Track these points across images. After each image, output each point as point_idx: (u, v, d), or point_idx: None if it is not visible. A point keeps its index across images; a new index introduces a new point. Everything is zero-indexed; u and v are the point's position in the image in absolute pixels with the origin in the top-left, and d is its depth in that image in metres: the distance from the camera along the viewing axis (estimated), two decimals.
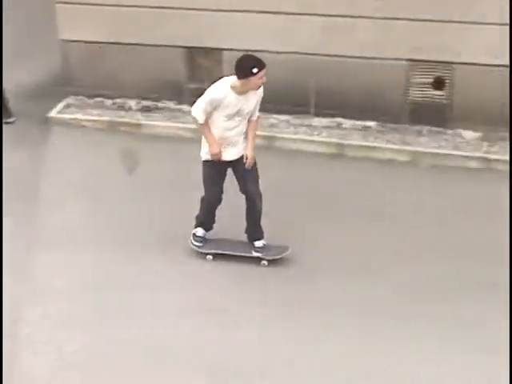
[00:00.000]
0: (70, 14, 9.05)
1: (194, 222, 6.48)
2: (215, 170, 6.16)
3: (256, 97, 5.98)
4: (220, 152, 6.02)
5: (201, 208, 6.39)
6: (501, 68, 8.02)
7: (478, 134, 8.33)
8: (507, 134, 8.06)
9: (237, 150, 6.13)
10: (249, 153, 6.11)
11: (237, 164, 6.18)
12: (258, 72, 5.76)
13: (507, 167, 7.71)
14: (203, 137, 6.10)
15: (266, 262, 6.36)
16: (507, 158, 7.82)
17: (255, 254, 6.38)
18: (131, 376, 5.19)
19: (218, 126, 6.01)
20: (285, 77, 8.44)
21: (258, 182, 6.23)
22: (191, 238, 6.45)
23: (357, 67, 8.43)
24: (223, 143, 6.07)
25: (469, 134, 8.36)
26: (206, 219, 6.42)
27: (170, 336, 5.52)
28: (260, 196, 6.21)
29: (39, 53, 10.34)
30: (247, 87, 5.88)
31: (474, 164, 7.99)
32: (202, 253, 6.44)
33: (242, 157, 6.13)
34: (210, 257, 6.44)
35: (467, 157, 8.02)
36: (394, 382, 5.14)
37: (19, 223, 6.87)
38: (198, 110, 5.97)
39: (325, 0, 8.30)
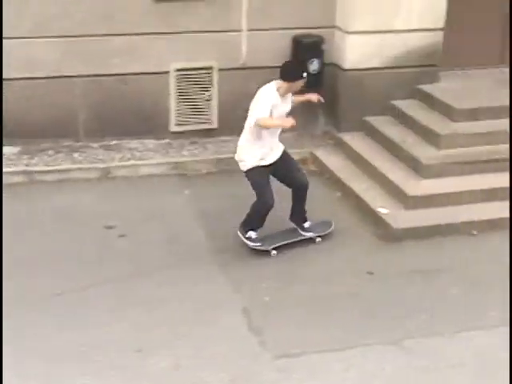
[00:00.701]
0: None
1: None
2: (264, 173, 6.48)
3: (289, 100, 6.52)
4: (294, 121, 6.27)
5: (256, 212, 6.58)
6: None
7: (17, 149, 8.39)
8: (47, 145, 8.36)
9: (278, 152, 6.59)
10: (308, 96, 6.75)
11: (277, 164, 6.56)
12: (304, 76, 6.38)
13: (49, 177, 8.01)
14: (245, 149, 6.46)
15: (320, 239, 6.90)
16: (48, 168, 8.11)
17: (309, 235, 6.84)
18: None
19: (268, 130, 6.36)
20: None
21: (300, 168, 6.88)
22: (248, 242, 6.67)
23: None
24: (272, 147, 6.49)
25: (8, 149, 8.35)
26: (261, 221, 6.64)
27: None
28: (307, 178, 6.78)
29: None
30: (290, 90, 6.43)
31: (17, 179, 7.99)
32: (264, 250, 6.66)
33: (280, 157, 6.59)
34: (275, 252, 6.68)
35: (10, 172, 7.99)
36: None
37: None
38: (264, 112, 6.21)
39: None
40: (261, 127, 6.27)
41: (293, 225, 6.86)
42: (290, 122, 6.28)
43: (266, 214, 6.60)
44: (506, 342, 5.46)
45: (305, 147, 8.64)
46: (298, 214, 6.85)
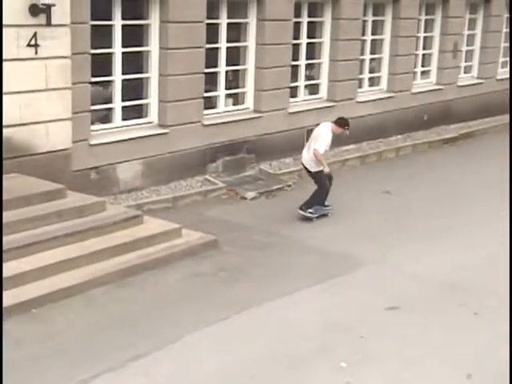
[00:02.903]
0: None
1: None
2: (326, 175, 10.94)
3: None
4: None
5: (319, 195, 10.97)
6: None
7: None
8: None
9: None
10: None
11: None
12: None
13: None
14: (319, 163, 10.85)
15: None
16: None
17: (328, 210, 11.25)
18: None
19: (325, 154, 11.01)
20: None
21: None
22: (306, 214, 10.94)
23: None
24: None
25: None
26: (323, 201, 11.03)
27: None
28: None
29: None
30: (337, 133, 11.02)
31: None
32: (312, 218, 11.01)
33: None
34: (315, 219, 11.04)
35: None
36: None
37: None
38: (323, 147, 10.76)
39: None
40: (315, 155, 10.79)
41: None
42: (328, 169, 11.03)
43: (326, 195, 11.07)
44: None
45: None
46: (325, 198, 11.19)
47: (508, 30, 19.47)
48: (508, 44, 19.64)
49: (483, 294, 8.48)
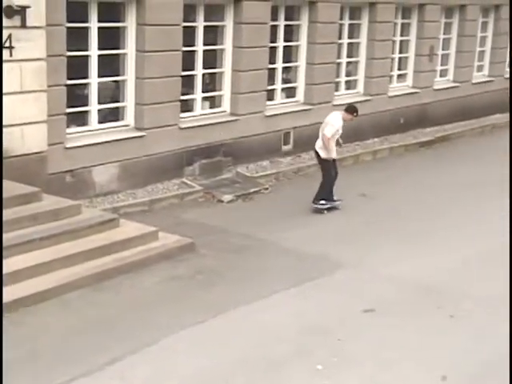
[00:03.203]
0: None
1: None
2: (333, 162, 11.65)
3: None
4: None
5: (326, 187, 11.59)
6: None
7: None
8: None
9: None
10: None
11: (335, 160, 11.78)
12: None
13: None
14: (328, 147, 11.43)
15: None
16: None
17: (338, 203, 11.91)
18: None
19: (334, 140, 11.49)
20: None
21: None
22: (318, 206, 11.63)
23: None
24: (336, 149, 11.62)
25: None
26: (331, 192, 11.66)
27: None
28: None
29: None
30: (347, 119, 11.66)
31: None
32: (323, 210, 11.66)
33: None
34: (325, 211, 11.68)
35: None
36: None
37: None
38: (331, 132, 11.36)
39: None
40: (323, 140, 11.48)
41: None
42: (334, 156, 11.73)
43: (333, 186, 11.69)
44: None
45: None
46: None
47: (484, 34, 19.68)
48: (483, 48, 19.84)
49: (459, 297, 8.54)
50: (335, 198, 11.78)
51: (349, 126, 12.27)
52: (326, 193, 11.67)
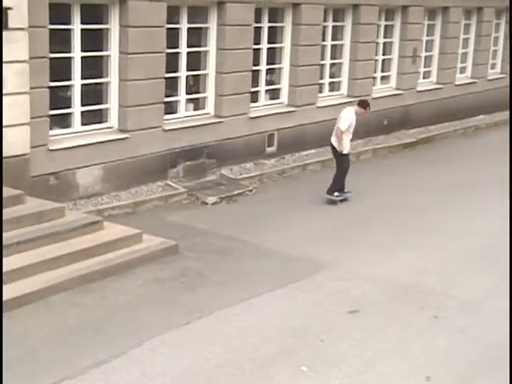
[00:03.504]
0: None
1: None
2: (347, 160, 12.39)
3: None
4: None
5: (339, 178, 12.33)
6: None
7: None
8: None
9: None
10: None
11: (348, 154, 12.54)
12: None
13: None
14: (341, 141, 12.13)
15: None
16: None
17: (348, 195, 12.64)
18: None
19: (348, 134, 12.18)
20: None
21: None
22: (332, 197, 12.31)
23: None
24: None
25: None
26: (343, 183, 12.40)
27: None
28: None
29: None
30: (360, 113, 12.37)
31: None
32: (337, 201, 12.38)
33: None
34: (339, 202, 12.39)
35: None
36: None
37: None
38: (345, 125, 12.05)
39: None
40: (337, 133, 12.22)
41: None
42: (346, 151, 12.38)
43: (345, 178, 12.44)
44: None
45: None
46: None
47: (466, 36, 19.82)
48: (466, 50, 19.99)
49: (442, 298, 8.62)
50: (346, 189, 12.52)
51: (332, 128, 12.36)
52: (339, 185, 12.31)
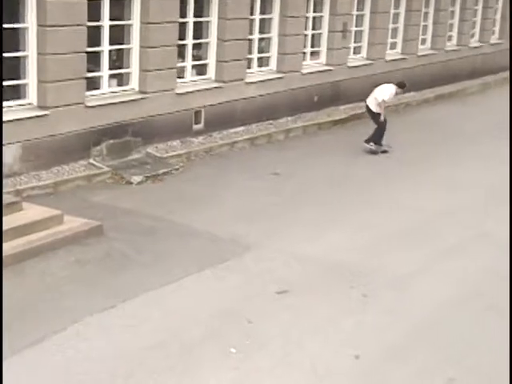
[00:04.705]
0: None
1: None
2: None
3: None
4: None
5: (378, 132, 14.65)
6: None
7: None
8: None
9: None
10: None
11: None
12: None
13: None
14: (380, 107, 14.65)
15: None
16: None
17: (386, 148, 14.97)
18: None
19: (384, 104, 14.80)
20: None
21: None
22: (368, 146, 14.69)
23: None
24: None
25: None
26: (381, 137, 14.68)
27: None
28: None
29: None
30: (398, 93, 15.23)
31: None
32: (377, 152, 14.66)
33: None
34: (381, 153, 14.68)
35: None
36: None
37: None
38: (387, 97, 14.65)
39: None
40: (379, 104, 14.71)
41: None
42: (382, 119, 14.77)
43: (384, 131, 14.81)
44: None
45: None
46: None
47: (397, 10, 20.12)
48: (396, 25, 20.29)
49: (372, 277, 8.82)
50: (383, 142, 14.73)
51: (261, 105, 12.40)
52: (378, 136, 14.57)
